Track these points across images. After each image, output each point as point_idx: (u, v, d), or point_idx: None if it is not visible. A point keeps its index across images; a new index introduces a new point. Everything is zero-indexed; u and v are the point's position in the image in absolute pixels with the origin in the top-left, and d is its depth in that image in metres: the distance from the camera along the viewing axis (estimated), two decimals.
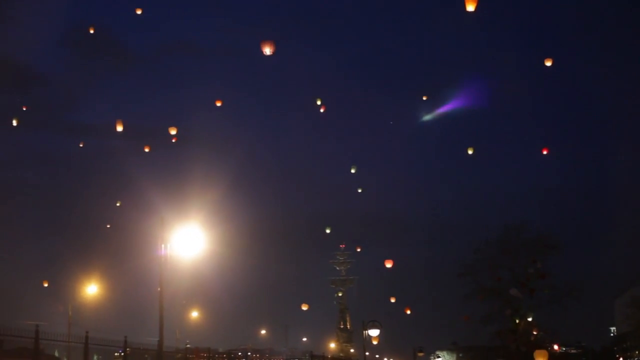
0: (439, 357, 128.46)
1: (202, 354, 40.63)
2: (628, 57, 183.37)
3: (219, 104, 64.33)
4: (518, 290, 56.97)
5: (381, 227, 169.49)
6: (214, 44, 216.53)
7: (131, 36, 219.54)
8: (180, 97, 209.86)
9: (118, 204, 78.33)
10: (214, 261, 73.39)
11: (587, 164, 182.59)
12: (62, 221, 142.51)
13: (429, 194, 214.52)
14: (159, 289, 25.58)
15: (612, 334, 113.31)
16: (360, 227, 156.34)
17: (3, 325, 21.61)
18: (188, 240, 25.87)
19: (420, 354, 70.09)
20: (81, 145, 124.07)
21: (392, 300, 77.84)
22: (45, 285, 69.53)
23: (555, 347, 79.00)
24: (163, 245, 25.46)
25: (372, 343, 50.21)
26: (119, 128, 56.05)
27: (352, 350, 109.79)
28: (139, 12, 60.39)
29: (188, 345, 53.16)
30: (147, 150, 71.34)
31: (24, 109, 73.05)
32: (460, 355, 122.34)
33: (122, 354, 28.17)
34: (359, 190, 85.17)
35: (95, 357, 59.06)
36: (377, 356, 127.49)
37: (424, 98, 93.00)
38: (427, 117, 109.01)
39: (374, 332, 47.69)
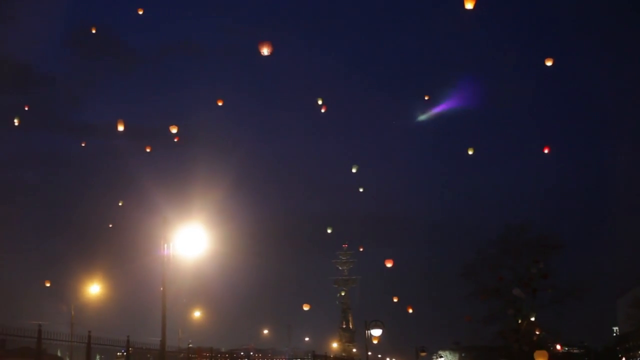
0: (441, 357, 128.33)
1: (205, 354, 40.63)
2: (629, 57, 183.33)
3: (220, 103, 64.44)
4: (520, 290, 56.94)
5: (383, 227, 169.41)
6: (215, 44, 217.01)
7: (133, 36, 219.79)
8: (182, 96, 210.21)
9: (120, 204, 78.43)
10: (217, 261, 73.45)
11: (589, 164, 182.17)
12: (65, 221, 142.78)
13: (430, 193, 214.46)
14: (161, 288, 25.55)
15: (614, 334, 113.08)
16: (362, 227, 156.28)
17: (5, 325, 21.59)
18: (190, 240, 25.85)
19: (423, 354, 69.85)
20: (83, 145, 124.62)
21: (395, 299, 77.96)
22: (48, 285, 69.70)
23: (558, 347, 78.94)
24: (165, 245, 25.45)
25: (372, 342, 50.20)
26: (120, 128, 56.22)
27: (354, 350, 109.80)
28: (140, 12, 60.56)
29: (190, 345, 53.13)
30: (148, 150, 71.56)
31: (26, 108, 73.19)
32: (463, 355, 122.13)
33: (125, 353, 28.17)
34: (361, 190, 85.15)
35: (97, 357, 59.03)
36: (379, 356, 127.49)
37: (426, 98, 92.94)
38: (429, 117, 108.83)
39: (376, 332, 47.64)
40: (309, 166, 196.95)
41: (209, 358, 40.91)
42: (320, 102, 65.57)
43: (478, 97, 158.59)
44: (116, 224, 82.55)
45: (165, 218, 25.69)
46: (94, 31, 77.44)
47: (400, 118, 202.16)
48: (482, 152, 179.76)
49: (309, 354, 50.51)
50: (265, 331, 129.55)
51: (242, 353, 70.74)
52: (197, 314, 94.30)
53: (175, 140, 69.37)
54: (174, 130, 62.08)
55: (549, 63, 52.68)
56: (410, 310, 75.04)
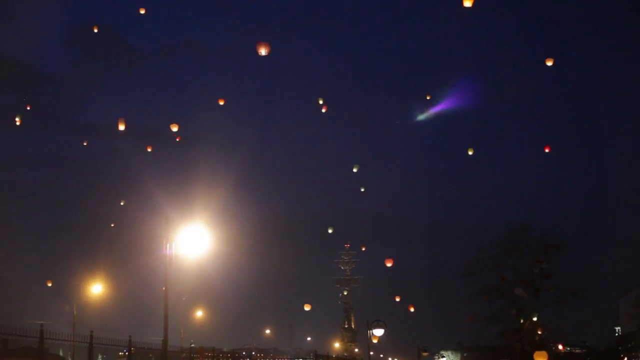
0: (443, 356, 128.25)
1: (207, 354, 40.61)
2: (629, 57, 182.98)
3: (221, 102, 64.33)
4: (523, 290, 56.89)
5: (386, 227, 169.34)
6: (216, 44, 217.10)
7: (134, 36, 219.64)
8: (183, 96, 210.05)
9: (122, 203, 78.37)
10: (219, 261, 73.49)
11: (591, 164, 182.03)
12: (66, 220, 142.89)
13: (431, 193, 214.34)
14: (163, 288, 25.52)
15: (616, 334, 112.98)
16: (365, 227, 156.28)
17: (8, 325, 21.58)
18: (193, 240, 25.81)
19: (425, 354, 69.93)
20: (85, 145, 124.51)
21: (397, 299, 77.87)
22: (50, 284, 69.72)
23: (560, 346, 78.90)
24: (168, 245, 25.41)
25: (372, 342, 50.19)
26: (121, 127, 56.08)
27: (356, 350, 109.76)
28: (142, 11, 60.45)
29: (192, 345, 53.10)
30: (149, 150, 71.51)
31: (28, 108, 73.20)
32: (465, 354, 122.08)
33: (127, 353, 28.15)
34: (362, 190, 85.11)
35: (99, 357, 59.14)
36: (381, 356, 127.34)
37: (428, 97, 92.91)
38: (429, 117, 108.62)
39: (378, 332, 47.63)
40: (310, 166, 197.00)
41: (211, 358, 40.90)
42: (321, 102, 65.47)
43: (479, 96, 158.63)
44: (118, 223, 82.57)
45: (167, 217, 25.66)
46: (95, 31, 77.25)
47: (401, 117, 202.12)
48: (483, 152, 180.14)
49: (311, 354, 50.41)
50: (268, 331, 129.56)
51: (244, 353, 70.69)
52: (199, 313, 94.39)
53: (177, 139, 69.35)
54: (174, 128, 61.99)
55: (549, 63, 52.59)
56: (412, 309, 75.01)
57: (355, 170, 79.43)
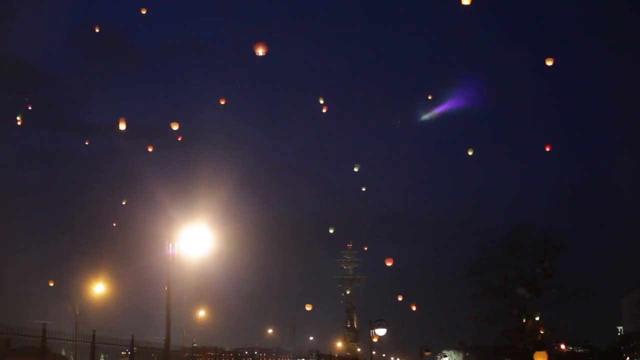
0: (445, 356, 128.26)
1: (209, 353, 40.65)
2: (629, 57, 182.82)
3: (222, 102, 64.27)
4: (525, 289, 56.81)
5: (388, 227, 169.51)
6: (218, 44, 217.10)
7: (136, 36, 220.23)
8: (185, 96, 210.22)
9: (124, 203, 78.34)
10: (221, 260, 73.41)
11: (593, 163, 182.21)
12: (68, 220, 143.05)
13: (434, 193, 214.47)
14: (166, 288, 25.56)
15: (619, 334, 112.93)
16: (367, 227, 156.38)
17: (10, 325, 21.61)
18: (195, 240, 25.85)
19: (427, 353, 69.99)
20: (86, 144, 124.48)
21: (400, 298, 77.81)
22: (52, 284, 69.78)
23: (562, 346, 78.77)
24: (170, 245, 25.44)
25: (373, 340, 50.18)
26: (122, 126, 56.02)
27: (358, 350, 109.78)
28: (143, 11, 60.50)
29: (195, 344, 53.20)
30: (150, 149, 71.42)
31: (29, 108, 73.24)
32: (467, 354, 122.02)
33: (129, 353, 28.15)
34: (363, 189, 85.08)
35: (102, 356, 59.16)
36: (383, 355, 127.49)
37: (429, 97, 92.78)
38: (432, 117, 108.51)
39: (380, 332, 47.62)
40: (312, 165, 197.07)
41: (213, 357, 40.93)
42: (322, 101, 65.36)
43: (481, 96, 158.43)
44: (120, 223, 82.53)
45: (169, 217, 25.69)
46: (97, 30, 77.23)
47: (403, 117, 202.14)
48: (486, 151, 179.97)
49: (314, 353, 50.50)
50: (270, 330, 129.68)
51: (246, 352, 70.59)
52: (201, 313, 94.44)
53: (179, 139, 69.28)
54: (175, 127, 61.88)
55: (549, 63, 52.54)
56: (414, 308, 74.98)
57: (356, 169, 79.41)
